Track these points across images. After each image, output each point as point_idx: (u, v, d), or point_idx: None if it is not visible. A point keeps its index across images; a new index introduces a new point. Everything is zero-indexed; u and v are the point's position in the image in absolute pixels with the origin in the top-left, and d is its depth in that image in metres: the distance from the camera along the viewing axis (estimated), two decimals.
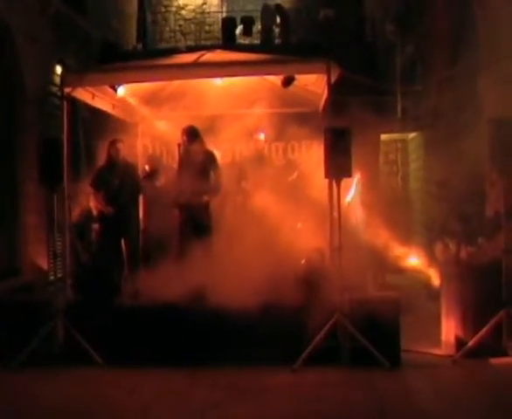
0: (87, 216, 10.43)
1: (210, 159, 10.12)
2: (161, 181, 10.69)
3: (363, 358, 7.81)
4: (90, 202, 10.21)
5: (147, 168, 11.16)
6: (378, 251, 10.87)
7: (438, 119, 12.13)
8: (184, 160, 9.83)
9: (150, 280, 9.06)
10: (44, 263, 12.77)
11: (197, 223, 9.67)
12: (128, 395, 7.30)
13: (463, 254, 8.54)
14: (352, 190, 10.13)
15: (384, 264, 11.62)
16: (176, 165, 10.46)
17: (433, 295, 9.86)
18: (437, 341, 8.60)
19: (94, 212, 10.20)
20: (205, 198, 9.88)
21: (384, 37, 16.31)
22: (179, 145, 9.92)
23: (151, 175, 10.82)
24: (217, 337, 8.25)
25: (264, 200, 9.47)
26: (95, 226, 10.34)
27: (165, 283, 8.86)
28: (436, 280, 9.56)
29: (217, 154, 10.48)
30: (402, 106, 15.09)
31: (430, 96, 12.55)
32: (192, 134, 10.00)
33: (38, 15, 13.57)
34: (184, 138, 10.04)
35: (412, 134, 15.16)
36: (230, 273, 8.49)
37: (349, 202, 10.01)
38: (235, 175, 10.37)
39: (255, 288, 8.39)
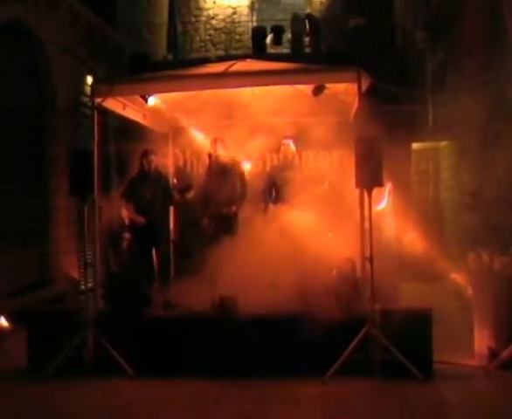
0: (120, 226, 10.47)
1: (237, 168, 10.18)
2: (191, 193, 10.71)
3: (394, 369, 7.77)
4: (122, 212, 10.25)
5: (175, 181, 11.20)
6: (410, 261, 10.81)
7: (469, 127, 12.03)
8: (213, 170, 9.84)
9: (180, 290, 9.09)
10: (75, 273, 12.92)
11: (225, 233, 9.67)
12: (157, 407, 7.32)
13: (496, 264, 8.45)
14: (383, 200, 10.07)
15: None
16: (205, 175, 10.48)
17: (466, 305, 9.77)
18: (469, 352, 8.50)
19: (126, 222, 10.24)
20: (233, 208, 9.92)
21: (414, 45, 16.25)
22: (209, 155, 9.94)
23: (183, 189, 10.85)
24: (246, 348, 8.20)
25: (294, 209, 9.45)
26: (127, 236, 10.39)
27: (195, 293, 8.90)
28: (468, 290, 9.47)
29: (248, 164, 10.51)
30: (433, 114, 15.01)
31: (461, 104, 12.45)
32: (221, 144, 10.07)
33: (70, 26, 13.71)
34: (214, 147, 10.09)
35: (444, 143, 15.05)
36: (260, 284, 8.49)
37: (380, 212, 9.95)
38: (265, 185, 10.37)
39: (285, 299, 8.39)
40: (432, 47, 15.21)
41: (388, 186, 9.91)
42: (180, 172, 11.49)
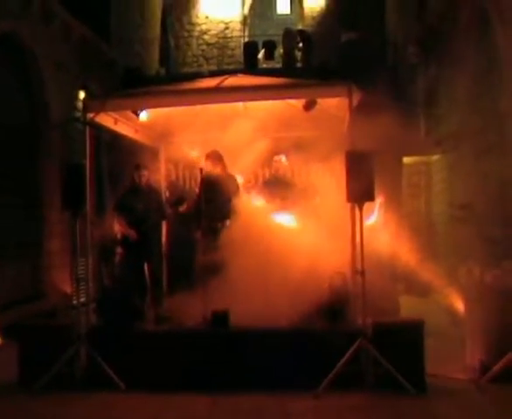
0: (112, 241, 10.47)
1: (231, 183, 10.20)
2: (184, 207, 10.72)
3: (387, 383, 7.76)
4: (114, 226, 10.25)
5: (167, 194, 11.22)
6: (401, 274, 10.81)
7: (461, 141, 12.07)
8: (206, 184, 9.85)
9: (173, 305, 9.08)
10: (67, 287, 12.89)
11: (218, 247, 9.67)
12: None
13: (487, 278, 8.46)
14: (374, 213, 10.08)
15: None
16: (198, 189, 10.49)
17: (457, 319, 9.78)
18: (461, 366, 8.50)
19: (118, 236, 10.24)
20: (227, 223, 9.93)
21: (406, 59, 16.31)
22: (201, 169, 9.95)
23: (175, 202, 10.86)
24: (239, 362, 8.21)
25: (287, 224, 9.46)
26: (119, 250, 10.39)
27: (187, 307, 8.90)
28: (460, 304, 9.48)
29: (240, 178, 10.53)
30: (425, 128, 15.06)
31: (453, 118, 12.50)
32: (215, 159, 10.10)
33: (63, 41, 13.73)
34: (207, 162, 10.11)
35: (436, 157, 15.09)
36: (252, 297, 8.50)
37: (371, 226, 9.96)
38: (258, 199, 10.37)
39: (277, 312, 8.39)
40: (423, 62, 15.28)
41: (379, 200, 9.93)
42: (172, 186, 11.52)
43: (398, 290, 11.51)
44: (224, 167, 10.22)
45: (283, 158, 10.66)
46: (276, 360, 8.13)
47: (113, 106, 9.21)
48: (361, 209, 8.12)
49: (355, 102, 8.58)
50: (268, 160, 10.82)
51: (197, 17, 23.83)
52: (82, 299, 8.95)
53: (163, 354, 8.44)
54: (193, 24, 23.81)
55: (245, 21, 24.11)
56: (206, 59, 23.48)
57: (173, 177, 11.73)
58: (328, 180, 10.83)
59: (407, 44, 15.91)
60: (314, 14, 23.67)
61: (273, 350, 8.20)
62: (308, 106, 9.35)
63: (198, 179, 10.42)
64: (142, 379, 8.28)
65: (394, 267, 10.54)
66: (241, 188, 10.53)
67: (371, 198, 8.14)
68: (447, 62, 13.09)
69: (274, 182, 10.54)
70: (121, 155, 12.08)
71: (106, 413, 7.60)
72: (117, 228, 10.15)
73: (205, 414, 7.44)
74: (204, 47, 23.63)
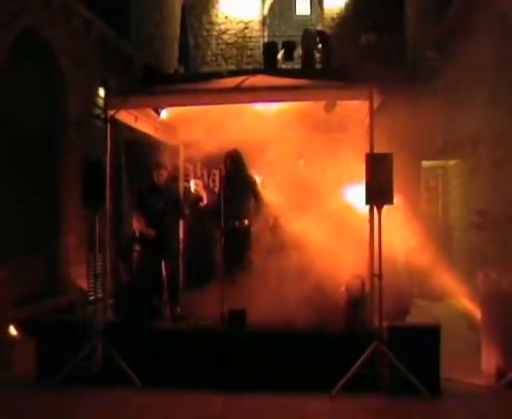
0: (130, 237, 10.52)
1: (251, 184, 10.24)
2: (203, 204, 10.77)
3: (402, 386, 7.76)
4: (133, 223, 10.30)
5: (194, 189, 11.27)
6: (416, 278, 10.81)
7: (479, 146, 12.06)
8: (226, 184, 9.87)
9: (189, 303, 9.11)
10: (84, 283, 12.95)
11: (237, 247, 9.70)
12: (163, 418, 7.36)
13: (504, 283, 8.46)
14: (393, 216, 10.07)
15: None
16: (217, 188, 10.53)
17: (473, 324, 9.78)
18: (477, 370, 8.50)
19: (136, 233, 10.28)
20: (246, 223, 9.98)
21: (425, 62, 16.28)
22: (221, 169, 9.98)
23: (193, 203, 10.92)
24: (255, 362, 8.25)
25: (304, 226, 9.47)
26: (137, 247, 10.43)
27: (204, 306, 8.94)
28: (476, 309, 9.47)
29: (259, 179, 10.55)
30: (443, 132, 15.03)
31: (471, 122, 12.48)
32: (235, 159, 10.11)
33: (83, 38, 13.80)
34: (227, 162, 10.14)
35: (453, 161, 15.07)
36: (269, 299, 8.52)
37: (388, 228, 9.95)
38: (276, 201, 10.39)
39: (294, 314, 8.41)
40: (442, 65, 15.26)
41: (398, 203, 9.91)
42: (187, 191, 11.57)
43: (413, 293, 11.51)
44: (244, 167, 10.25)
45: (301, 161, 10.67)
46: (292, 360, 8.19)
47: (134, 103, 9.27)
48: (379, 212, 8.13)
49: (375, 105, 8.58)
50: (287, 161, 10.82)
51: (216, 16, 23.89)
52: (99, 295, 8.99)
53: (179, 353, 8.50)
54: (212, 24, 23.86)
55: (264, 21, 24.13)
56: (225, 59, 23.52)
57: (191, 176, 11.78)
58: (346, 182, 10.85)
59: (426, 48, 15.89)
60: (334, 15, 23.65)
61: (289, 351, 8.25)
62: (329, 107, 9.36)
63: (218, 178, 10.47)
64: (158, 376, 8.33)
65: (409, 270, 10.53)
66: (260, 189, 10.53)
67: (390, 201, 8.13)
68: (466, 66, 13.08)
69: (292, 184, 10.54)
70: (140, 154, 12.12)
71: (121, 409, 7.66)
72: (135, 225, 10.18)
73: (220, 413, 7.47)
74: (223, 47, 23.67)
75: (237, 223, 9.95)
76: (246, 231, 10.08)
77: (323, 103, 9.41)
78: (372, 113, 8.51)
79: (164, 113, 9.64)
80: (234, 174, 10.08)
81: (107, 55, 15.05)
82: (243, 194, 10.02)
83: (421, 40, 17.41)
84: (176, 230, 10.81)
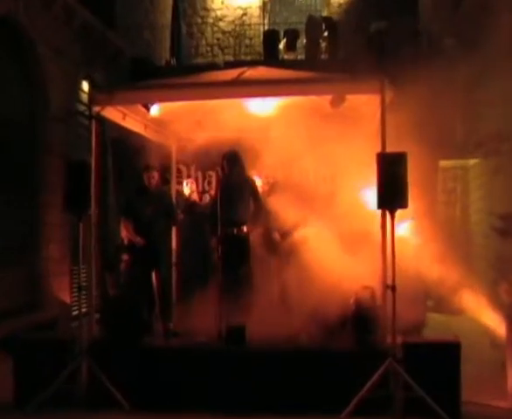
0: (118, 246, 10.53)
1: (250, 187, 10.25)
2: (197, 209, 10.80)
3: (418, 409, 7.74)
4: (120, 231, 10.30)
5: (189, 192, 11.30)
6: (433, 289, 10.81)
7: (503, 143, 12.06)
8: (224, 187, 9.87)
9: (183, 318, 9.12)
10: (67, 296, 12.94)
11: (235, 255, 9.72)
12: None
13: None
14: (407, 222, 10.09)
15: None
16: (213, 192, 10.55)
17: (496, 341, 9.77)
18: (501, 393, 8.49)
19: (125, 242, 10.29)
20: (245, 229, 9.99)
21: (442, 52, 16.28)
22: (217, 171, 10.00)
23: (188, 208, 10.95)
24: (255, 382, 8.24)
25: (309, 232, 9.49)
26: (125, 257, 10.44)
27: (199, 321, 8.94)
28: (500, 324, 9.47)
29: (259, 181, 10.57)
30: (463, 128, 15.03)
31: (494, 118, 12.48)
32: (233, 160, 10.12)
33: (64, 27, 13.80)
34: (224, 163, 10.14)
35: (474, 161, 15.07)
36: (271, 312, 8.53)
37: (402, 235, 9.96)
38: (278, 205, 10.40)
39: (298, 330, 8.43)
40: (461, 55, 15.26)
41: (412, 207, 9.92)
42: (180, 195, 11.59)
43: (429, 306, 11.51)
44: (243, 169, 10.26)
45: (305, 160, 10.69)
46: (296, 381, 8.18)
47: (122, 98, 9.29)
48: (393, 217, 8.13)
49: (387, 99, 8.58)
50: (288, 162, 10.84)
51: (211, 1, 23.88)
52: (84, 310, 9.00)
53: (172, 372, 8.50)
54: (207, 10, 23.85)
55: (264, 7, 24.13)
56: (221, 49, 23.53)
57: (185, 178, 11.80)
58: (355, 184, 10.86)
59: (444, 35, 15.88)
60: (341, 0, 23.68)
61: (293, 370, 8.24)
62: (336, 102, 9.35)
63: (214, 181, 10.49)
64: (149, 399, 8.35)
65: (425, 281, 10.54)
66: (260, 193, 10.54)
67: (405, 205, 8.12)
68: (490, 54, 13.07)
69: (289, 187, 10.58)
70: (128, 154, 12.14)
71: None
72: (123, 233, 10.20)
73: None
74: (220, 35, 23.67)
75: (235, 230, 9.96)
76: (245, 239, 10.10)
77: (329, 97, 9.40)
78: (384, 107, 8.52)
79: (155, 110, 9.63)
80: (232, 176, 10.09)
81: (91, 45, 15.07)
82: (241, 198, 10.03)
83: (438, 27, 17.42)
84: (168, 237, 10.80)
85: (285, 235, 10.11)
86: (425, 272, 10.40)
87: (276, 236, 10.35)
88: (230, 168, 10.09)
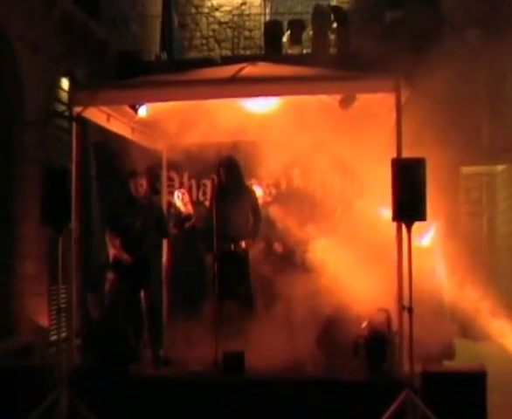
0: (102, 263, 10.54)
1: (249, 198, 10.30)
2: (191, 221, 10.84)
3: None
4: (105, 246, 10.31)
5: (179, 204, 11.34)
6: (456, 312, 10.83)
7: None
8: (219, 197, 9.89)
9: (175, 344, 9.13)
10: (44, 320, 12.92)
11: (233, 274, 9.75)
12: None
13: None
14: (426, 235, 10.10)
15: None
16: (208, 202, 10.57)
17: None
18: None
19: (110, 258, 10.29)
20: (243, 245, 10.02)
21: (466, 44, 16.32)
22: (213, 179, 10.01)
23: (181, 221, 10.99)
24: (256, 415, 8.24)
25: (316, 248, 9.52)
26: (110, 275, 10.44)
27: (193, 348, 8.96)
28: None
29: (258, 192, 10.61)
30: (489, 131, 15.06)
31: None
32: (230, 167, 10.14)
33: (42, 19, 13.82)
34: (221, 171, 10.16)
35: (502, 167, 15.10)
36: (273, 337, 8.55)
37: (421, 250, 9.97)
38: (281, 218, 10.44)
39: (304, 356, 8.44)
40: (487, 47, 15.30)
41: (432, 219, 9.95)
42: (172, 206, 11.62)
43: (453, 331, 11.52)
44: (241, 176, 10.29)
45: (305, 168, 10.74)
46: (301, 414, 8.19)
47: (105, 98, 9.28)
48: (409, 230, 8.11)
49: (403, 98, 8.59)
50: (289, 169, 10.89)
51: None
52: (63, 335, 9.01)
53: (163, 405, 8.51)
54: None
55: None
56: (218, 42, 23.54)
57: (177, 186, 11.85)
58: (366, 192, 10.89)
59: (468, 25, 15.91)
60: None
61: (298, 402, 8.25)
62: (346, 102, 9.36)
63: (209, 190, 10.52)
64: None
65: (448, 303, 10.55)
66: (260, 203, 10.57)
67: (423, 217, 8.09)
68: None
69: (289, 196, 10.63)
70: (113, 160, 12.16)
71: None
72: (109, 248, 10.21)
73: None
74: (216, 27, 23.67)
75: (232, 246, 9.99)
76: (244, 255, 10.13)
77: (339, 97, 9.44)
78: (400, 108, 8.52)
79: (143, 111, 9.67)
80: (229, 185, 10.12)
81: (72, 39, 15.08)
82: (239, 210, 10.06)
83: (461, 16, 17.47)
84: (158, 253, 10.83)
85: (292, 251, 10.15)
86: (448, 292, 10.41)
87: (277, 248, 10.40)
88: (226, 175, 10.11)
